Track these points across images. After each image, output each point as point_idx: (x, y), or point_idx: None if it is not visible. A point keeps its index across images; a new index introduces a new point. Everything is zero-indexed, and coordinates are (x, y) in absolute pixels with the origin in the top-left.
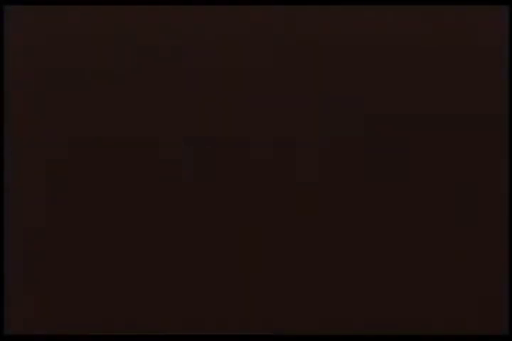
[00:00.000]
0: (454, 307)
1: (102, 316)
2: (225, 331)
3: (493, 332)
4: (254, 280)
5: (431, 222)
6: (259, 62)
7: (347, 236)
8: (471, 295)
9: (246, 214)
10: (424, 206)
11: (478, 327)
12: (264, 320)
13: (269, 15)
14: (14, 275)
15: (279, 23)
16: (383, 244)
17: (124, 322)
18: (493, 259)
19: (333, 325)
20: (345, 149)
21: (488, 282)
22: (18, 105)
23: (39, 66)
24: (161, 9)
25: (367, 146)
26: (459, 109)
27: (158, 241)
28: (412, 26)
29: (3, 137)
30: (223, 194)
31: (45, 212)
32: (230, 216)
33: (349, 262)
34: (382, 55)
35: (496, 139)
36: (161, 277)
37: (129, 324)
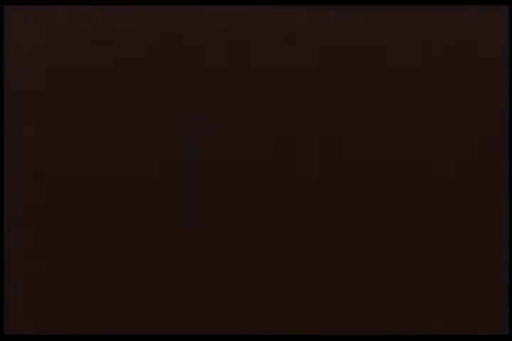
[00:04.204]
0: (454, 307)
1: (102, 316)
2: (225, 331)
3: (493, 332)
4: (254, 281)
5: (431, 222)
6: (259, 63)
7: (347, 237)
8: (471, 295)
9: (246, 214)
10: (424, 206)
11: (478, 327)
12: (264, 320)
13: (270, 16)
14: (14, 275)
15: (280, 23)
16: (383, 244)
17: (124, 322)
18: (493, 259)
19: (332, 325)
20: (345, 149)
21: (488, 282)
22: (19, 105)
23: (39, 66)
24: (161, 9)
25: (368, 147)
26: (459, 108)
27: (158, 241)
28: (411, 26)
29: (3, 137)
30: (223, 195)
31: (45, 212)
32: (230, 216)
33: (349, 262)
34: (382, 54)
35: (496, 138)
36: (160, 279)
37: (129, 324)
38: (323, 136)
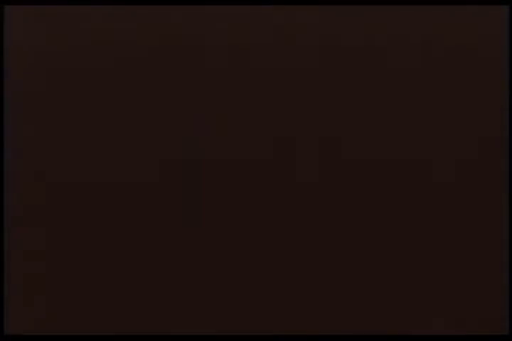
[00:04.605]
0: (454, 307)
1: (102, 316)
2: (225, 331)
3: (493, 332)
4: (254, 281)
5: (431, 222)
6: (259, 63)
7: (347, 237)
8: (471, 295)
9: (246, 215)
10: (424, 206)
11: (478, 327)
12: (264, 320)
13: (270, 16)
14: (14, 275)
15: (280, 23)
16: (383, 244)
17: (124, 322)
18: (493, 259)
19: (332, 325)
20: (345, 149)
21: (488, 282)
22: (19, 105)
23: (39, 66)
24: (161, 9)
25: (368, 147)
26: (459, 108)
27: (158, 241)
28: (411, 26)
29: (3, 137)
30: (223, 195)
31: (45, 212)
32: (230, 216)
33: (349, 262)
34: (382, 54)
35: (496, 138)
36: (161, 279)
37: (129, 324)
38: (323, 136)
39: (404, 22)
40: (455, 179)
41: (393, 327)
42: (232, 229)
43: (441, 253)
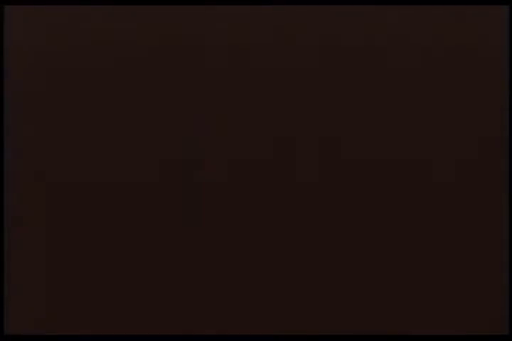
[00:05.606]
0: (454, 307)
1: (102, 316)
2: (225, 331)
3: (493, 332)
4: (254, 281)
5: (431, 222)
6: (259, 63)
7: (347, 237)
8: (471, 295)
9: (246, 215)
10: (424, 206)
11: (478, 327)
12: (264, 320)
13: (270, 16)
14: (14, 275)
15: (280, 23)
16: (383, 244)
17: (124, 322)
18: (493, 259)
19: (332, 325)
20: (345, 149)
21: (488, 282)
22: (19, 105)
23: (39, 66)
24: (161, 9)
25: (368, 147)
26: (459, 108)
27: (158, 241)
28: (411, 26)
29: (3, 137)
30: (223, 195)
31: (45, 212)
32: (230, 216)
33: (349, 262)
34: (382, 54)
35: (496, 138)
36: (160, 279)
37: (129, 324)
38: (323, 136)
39: (404, 22)
40: (455, 179)
41: (393, 327)
42: (232, 229)
43: (441, 253)
